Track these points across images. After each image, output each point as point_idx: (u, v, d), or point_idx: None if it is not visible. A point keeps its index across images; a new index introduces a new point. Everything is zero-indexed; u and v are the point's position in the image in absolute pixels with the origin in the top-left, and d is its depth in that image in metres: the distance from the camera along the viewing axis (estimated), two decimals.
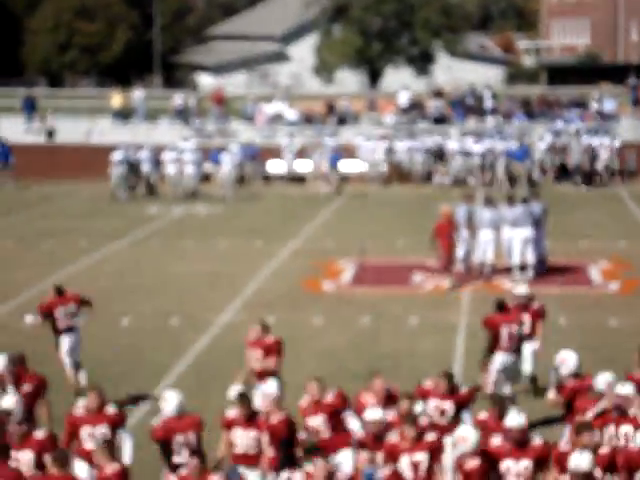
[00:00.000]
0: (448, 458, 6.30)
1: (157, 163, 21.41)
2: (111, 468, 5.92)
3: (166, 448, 6.49)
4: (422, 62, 35.47)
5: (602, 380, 6.84)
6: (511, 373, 8.44)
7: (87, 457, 6.28)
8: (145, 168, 21.33)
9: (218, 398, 9.18)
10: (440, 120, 23.96)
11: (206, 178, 21.69)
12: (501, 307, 8.59)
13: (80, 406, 6.70)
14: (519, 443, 5.88)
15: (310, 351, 10.72)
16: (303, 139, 23.09)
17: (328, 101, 24.95)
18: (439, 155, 22.25)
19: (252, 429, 6.40)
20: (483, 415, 6.45)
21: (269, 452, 6.41)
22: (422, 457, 5.94)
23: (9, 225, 18.36)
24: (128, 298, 12.87)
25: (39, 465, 6.08)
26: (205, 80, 41.45)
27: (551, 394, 7.11)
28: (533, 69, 42.66)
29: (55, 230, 17.51)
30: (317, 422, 6.62)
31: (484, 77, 36.04)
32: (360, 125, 24.15)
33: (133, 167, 21.22)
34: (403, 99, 24.42)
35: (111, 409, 6.64)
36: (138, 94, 25.15)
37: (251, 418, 6.41)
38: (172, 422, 6.54)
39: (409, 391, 6.92)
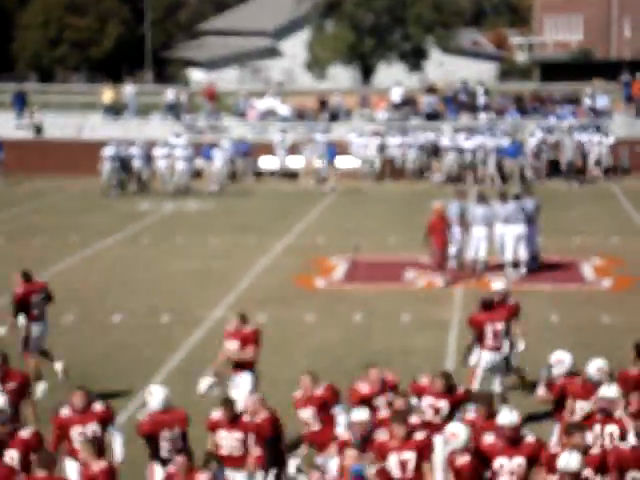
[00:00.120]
0: (439, 456, 6.27)
1: (148, 159, 21.31)
2: (98, 466, 5.90)
3: (152, 443, 6.50)
4: (414, 58, 35.44)
5: (593, 367, 6.85)
6: (499, 370, 8.42)
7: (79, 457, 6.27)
8: (136, 164, 21.22)
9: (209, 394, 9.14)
10: (433, 116, 23.93)
11: (197, 174, 21.59)
12: (486, 305, 8.58)
13: (66, 407, 6.67)
14: (512, 441, 5.88)
15: (302, 348, 10.70)
16: (295, 135, 23.03)
17: (320, 97, 24.89)
18: (434, 152, 22.22)
19: (236, 430, 6.39)
20: (471, 414, 6.43)
21: (255, 451, 6.40)
22: (410, 456, 5.93)
23: None
24: (120, 295, 12.81)
25: (25, 464, 6.03)
26: (197, 75, 41.30)
27: (540, 391, 7.11)
28: (526, 65, 42.68)
29: (46, 226, 17.40)
30: (306, 415, 6.64)
31: (477, 73, 36.04)
32: (352, 121, 24.10)
33: (124, 163, 21.11)
34: (396, 95, 24.38)
35: (98, 406, 6.63)
36: (129, 89, 25.03)
37: (235, 420, 6.41)
38: (158, 417, 6.56)
39: (402, 389, 6.89)
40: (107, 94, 24.62)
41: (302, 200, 20.27)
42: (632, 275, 13.55)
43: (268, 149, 22.86)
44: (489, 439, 5.95)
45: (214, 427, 6.49)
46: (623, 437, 6.09)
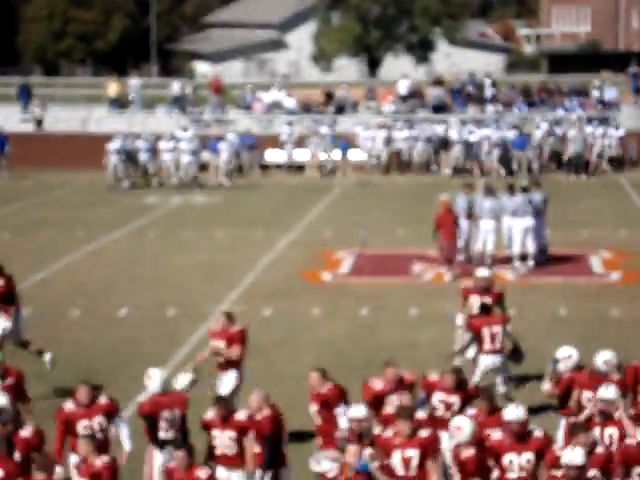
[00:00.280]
0: (447, 451, 6.25)
1: (154, 152, 21.27)
2: (101, 461, 5.88)
3: (152, 424, 6.52)
4: (421, 50, 35.28)
5: (601, 358, 6.82)
6: (500, 371, 8.41)
7: None
8: (143, 157, 21.16)
9: (215, 389, 9.11)
10: (440, 109, 23.80)
11: (204, 167, 21.54)
12: (484, 309, 8.61)
13: (69, 401, 6.65)
14: (519, 436, 5.85)
15: (309, 342, 10.65)
16: (301, 128, 22.94)
17: (326, 89, 24.78)
18: (443, 144, 22.10)
19: (229, 429, 6.37)
20: (472, 410, 6.40)
21: (255, 449, 6.37)
22: (413, 453, 5.90)
23: (5, 215, 18.22)
24: (126, 289, 12.78)
25: (26, 464, 6.01)
26: (202, 68, 41.22)
27: (547, 385, 7.07)
28: (533, 57, 42.46)
29: (52, 220, 17.38)
30: (311, 411, 6.65)
31: (484, 65, 35.87)
32: (359, 114, 24.00)
33: (130, 156, 21.06)
34: (402, 87, 24.26)
35: (103, 399, 6.64)
36: (135, 82, 24.97)
37: (227, 418, 6.39)
38: (158, 398, 6.62)
39: (392, 359, 6.92)
40: (112, 87, 24.57)
41: (309, 193, 20.20)
42: None
43: (274, 142, 22.79)
44: (496, 435, 5.92)
45: (208, 426, 6.49)
46: (622, 438, 6.06)
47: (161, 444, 6.54)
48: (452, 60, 37.40)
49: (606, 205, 18.49)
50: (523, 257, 13.41)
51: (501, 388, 8.25)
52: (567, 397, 6.85)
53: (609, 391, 6.24)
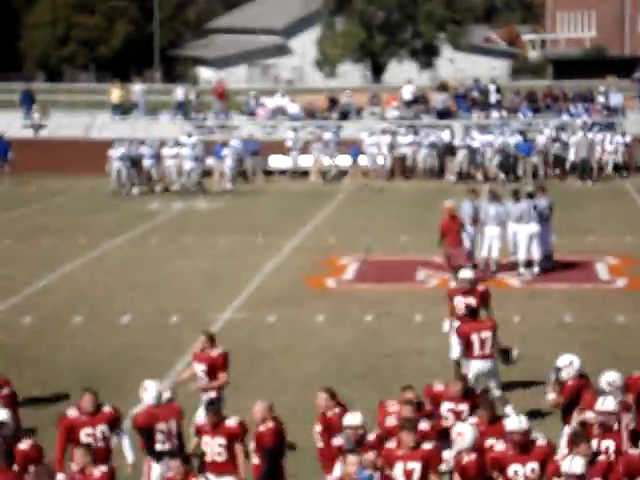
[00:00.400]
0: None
1: (158, 158, 21.23)
2: (99, 471, 5.81)
3: (148, 436, 6.50)
4: (426, 55, 35.26)
5: (605, 380, 6.75)
6: (492, 376, 8.37)
7: None
8: (147, 163, 21.11)
9: None
10: (444, 114, 23.75)
11: (208, 173, 21.48)
12: (469, 311, 8.61)
13: (73, 409, 6.58)
14: (522, 446, 5.80)
15: (313, 349, 10.57)
16: (305, 134, 22.90)
17: (330, 95, 24.75)
18: (449, 150, 22.03)
19: (219, 436, 6.30)
20: (472, 419, 6.34)
21: (254, 460, 6.29)
22: (415, 466, 5.85)
23: (7, 221, 18.18)
24: (128, 295, 12.71)
25: (23, 476, 5.94)
26: (206, 74, 41.25)
27: (551, 395, 7.00)
28: (538, 62, 42.42)
29: (54, 226, 17.32)
30: (314, 431, 6.59)
31: (488, 70, 35.81)
32: (363, 119, 23.95)
33: (134, 162, 21.01)
34: (407, 93, 24.22)
35: (107, 408, 6.58)
36: (138, 88, 24.97)
37: (218, 425, 6.32)
38: (153, 410, 6.59)
39: (409, 398, 6.74)
40: (115, 93, 24.57)
41: (312, 199, 20.13)
42: None
43: (278, 148, 22.74)
44: (499, 447, 5.88)
45: (199, 432, 6.44)
46: (619, 451, 6.00)
47: (158, 456, 6.50)
48: (456, 65, 37.37)
49: (612, 211, 18.39)
50: (528, 263, 13.32)
51: (496, 392, 8.21)
52: (572, 405, 6.77)
53: (608, 403, 6.17)
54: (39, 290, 13.01)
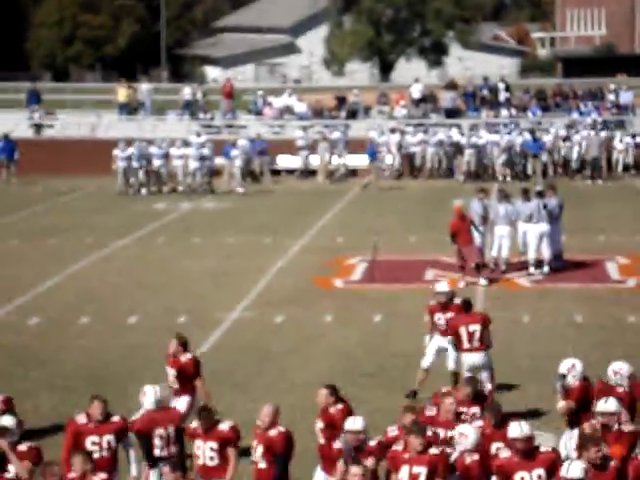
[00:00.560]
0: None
1: (167, 158, 21.17)
2: (99, 478, 5.75)
3: (146, 441, 6.44)
4: (434, 53, 35.12)
5: (611, 368, 6.73)
6: (484, 369, 8.36)
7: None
8: (156, 163, 21.03)
9: (227, 397, 8.96)
10: (453, 113, 23.61)
11: (216, 173, 21.40)
12: (464, 307, 8.57)
13: (82, 415, 6.51)
14: (526, 453, 5.74)
15: (321, 349, 10.49)
16: (313, 133, 22.81)
17: (338, 94, 24.64)
18: (458, 149, 21.89)
19: (211, 440, 6.23)
20: (479, 422, 6.28)
21: (261, 464, 6.21)
22: (421, 470, 5.79)
23: (14, 221, 18.16)
24: (135, 296, 12.65)
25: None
26: (213, 73, 41.21)
27: (561, 402, 6.92)
28: (548, 60, 42.21)
29: (61, 226, 17.29)
30: (316, 427, 6.52)
31: (497, 69, 35.64)
32: (371, 118, 23.84)
33: (145, 162, 20.93)
34: (416, 91, 24.09)
35: (116, 418, 6.49)
36: (145, 87, 24.92)
37: (210, 429, 6.25)
38: (152, 415, 6.52)
39: (412, 405, 6.71)
40: (122, 92, 24.54)
41: (321, 199, 20.04)
42: None
43: (286, 147, 22.66)
44: (505, 454, 5.82)
45: (192, 436, 6.37)
46: (622, 453, 5.92)
47: (156, 461, 6.42)
48: (465, 64, 37.20)
49: (622, 210, 18.24)
50: (538, 263, 13.20)
51: (487, 385, 8.17)
52: (581, 408, 6.70)
53: (609, 403, 6.10)
54: (45, 290, 12.97)
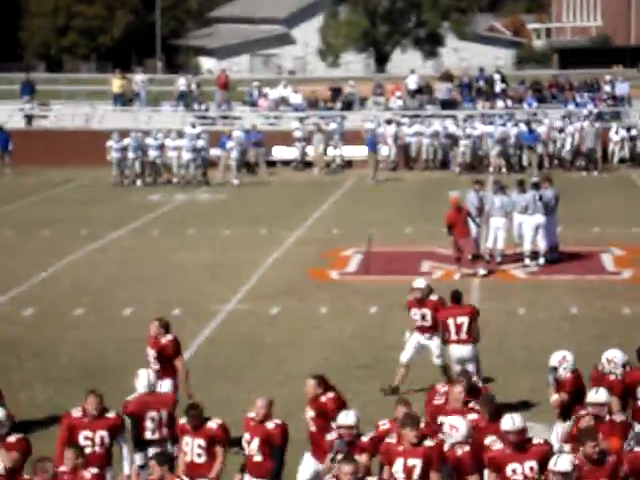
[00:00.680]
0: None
1: (163, 149, 21.08)
2: (90, 473, 5.71)
3: (137, 424, 6.41)
4: (430, 44, 35.02)
5: (604, 357, 6.73)
6: (469, 361, 8.40)
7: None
8: (152, 154, 20.92)
9: (221, 389, 8.95)
10: (448, 104, 23.56)
11: (212, 164, 21.32)
12: (453, 298, 8.58)
13: (78, 408, 6.48)
14: (518, 446, 5.74)
15: (316, 341, 10.48)
16: (308, 124, 22.73)
17: (333, 85, 24.56)
18: (454, 141, 21.83)
19: (199, 437, 6.20)
20: (471, 416, 6.26)
21: (257, 457, 6.18)
22: (416, 462, 5.78)
23: (8, 212, 18.08)
24: (130, 288, 12.61)
25: (10, 471, 5.83)
26: (208, 64, 41.03)
27: (554, 396, 6.91)
28: (544, 51, 42.15)
29: (55, 218, 17.22)
30: (307, 416, 6.50)
31: (493, 60, 35.58)
32: (366, 109, 23.78)
33: (140, 153, 20.84)
34: (412, 83, 24.02)
35: (112, 414, 6.45)
36: (140, 78, 24.79)
37: (199, 426, 6.22)
38: (145, 398, 6.53)
39: (404, 397, 6.68)
40: (116, 83, 24.40)
41: (316, 191, 20.00)
42: None
43: (281, 139, 22.58)
44: (497, 446, 5.82)
45: (181, 432, 6.34)
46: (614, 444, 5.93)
47: (145, 445, 6.38)
48: (461, 55, 37.13)
49: (618, 202, 18.24)
50: (534, 255, 13.19)
51: (474, 377, 8.09)
52: (574, 399, 6.70)
53: (599, 394, 6.09)
54: (40, 282, 12.93)
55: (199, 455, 6.16)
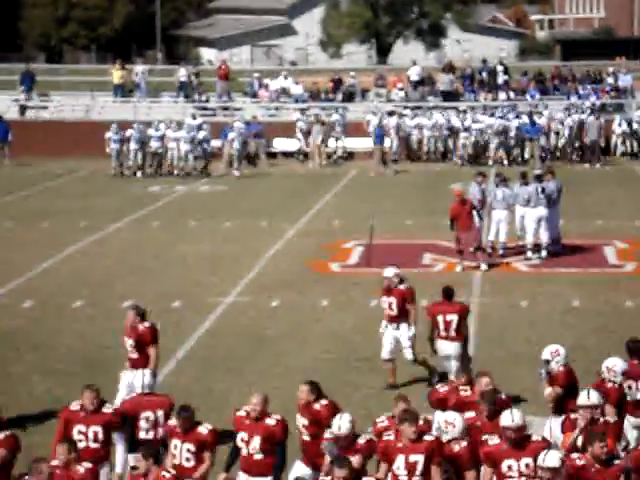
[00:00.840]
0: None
1: (163, 140, 20.96)
2: (83, 468, 5.65)
3: (130, 423, 6.37)
4: (432, 36, 34.87)
5: (604, 364, 6.66)
6: (455, 359, 8.38)
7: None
8: (154, 145, 20.80)
9: (221, 382, 8.90)
10: (450, 95, 23.42)
11: (213, 155, 21.22)
12: (445, 295, 8.58)
13: (76, 402, 6.43)
14: (516, 442, 5.68)
15: (317, 334, 10.43)
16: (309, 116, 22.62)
17: (335, 76, 24.43)
18: (455, 133, 21.70)
19: (189, 442, 6.10)
20: (470, 414, 6.22)
21: (257, 456, 6.09)
22: (419, 458, 5.72)
23: (7, 204, 18.02)
24: (130, 280, 12.55)
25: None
26: (208, 55, 40.88)
27: (548, 389, 6.85)
28: (547, 42, 41.97)
29: (54, 209, 17.15)
30: (299, 424, 6.41)
31: (496, 51, 35.40)
32: (368, 101, 23.65)
33: (143, 145, 20.73)
34: (413, 74, 23.89)
35: (108, 410, 6.38)
36: (140, 69, 24.67)
37: (189, 431, 6.12)
38: (141, 398, 6.50)
39: (403, 394, 6.60)
40: (116, 73, 24.29)
41: (317, 182, 19.91)
42: None
43: (282, 130, 22.47)
44: (494, 441, 5.77)
45: (170, 434, 6.23)
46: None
47: (138, 444, 6.31)
48: (463, 46, 36.95)
49: (620, 195, 18.15)
50: (536, 247, 13.12)
51: (451, 376, 8.16)
52: (567, 393, 6.66)
53: (590, 396, 6.03)
54: (39, 274, 12.87)
55: (187, 459, 6.08)
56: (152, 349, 7.56)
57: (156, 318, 10.99)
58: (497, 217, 13.09)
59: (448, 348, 8.41)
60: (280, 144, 22.73)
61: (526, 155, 21.50)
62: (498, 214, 13.08)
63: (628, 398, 6.72)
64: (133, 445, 6.38)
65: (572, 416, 6.10)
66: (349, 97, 23.79)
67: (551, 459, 5.36)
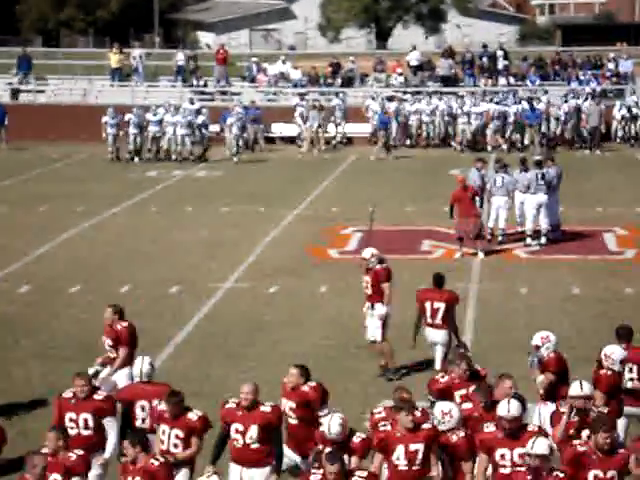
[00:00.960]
0: None
1: (161, 124, 20.80)
2: (75, 455, 5.58)
3: (128, 410, 6.32)
4: (432, 20, 34.65)
5: (603, 352, 6.61)
6: (442, 346, 8.38)
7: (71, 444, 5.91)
8: (152, 129, 20.64)
9: (219, 368, 8.87)
10: (450, 81, 23.26)
11: (210, 140, 21.09)
12: (435, 282, 8.57)
13: (70, 390, 6.36)
14: (511, 432, 5.67)
15: (316, 320, 10.39)
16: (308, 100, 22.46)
17: (334, 61, 24.25)
18: (454, 118, 21.56)
19: (177, 428, 6.04)
20: (467, 404, 6.19)
21: (254, 445, 6.01)
22: (419, 447, 5.69)
23: (4, 188, 17.92)
24: (127, 265, 12.49)
25: None
26: (206, 38, 40.61)
27: (540, 377, 6.81)
28: (547, 27, 41.73)
29: (51, 194, 17.05)
30: (285, 407, 6.33)
31: (496, 36, 35.17)
32: (367, 86, 23.50)
33: (141, 129, 20.59)
34: (413, 59, 23.72)
35: (99, 397, 6.31)
36: (137, 53, 24.47)
37: (178, 417, 6.05)
38: (139, 386, 6.45)
39: (403, 384, 6.63)
40: (114, 57, 24.10)
41: (316, 168, 19.81)
42: None
43: (280, 115, 22.33)
44: (489, 429, 5.75)
45: (158, 419, 6.17)
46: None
47: (125, 433, 6.23)
48: (463, 31, 36.73)
49: (620, 181, 18.09)
50: (536, 234, 13.07)
51: (436, 365, 8.21)
52: (562, 378, 6.63)
53: (583, 387, 5.99)
54: (36, 259, 12.81)
55: (175, 445, 6.02)
56: (122, 350, 7.41)
57: (154, 303, 11.03)
58: (496, 203, 13.04)
59: (435, 335, 8.42)
60: (278, 129, 22.58)
61: (526, 141, 21.39)
62: (497, 200, 13.02)
63: (629, 385, 6.67)
64: (127, 433, 6.30)
65: (561, 409, 6.07)
66: (348, 82, 23.61)
67: (540, 446, 5.32)
